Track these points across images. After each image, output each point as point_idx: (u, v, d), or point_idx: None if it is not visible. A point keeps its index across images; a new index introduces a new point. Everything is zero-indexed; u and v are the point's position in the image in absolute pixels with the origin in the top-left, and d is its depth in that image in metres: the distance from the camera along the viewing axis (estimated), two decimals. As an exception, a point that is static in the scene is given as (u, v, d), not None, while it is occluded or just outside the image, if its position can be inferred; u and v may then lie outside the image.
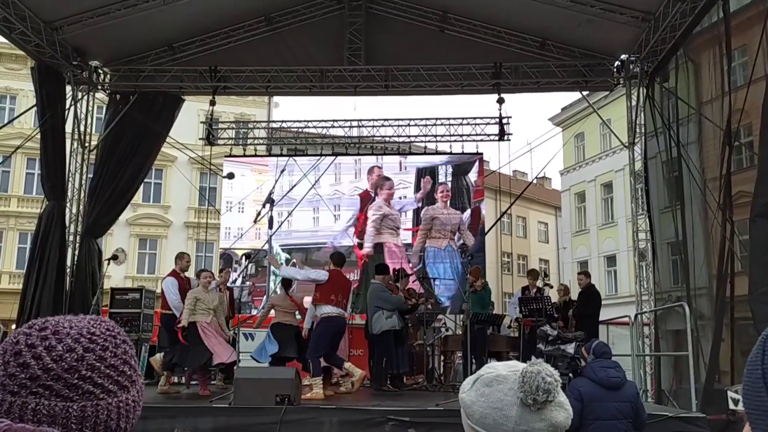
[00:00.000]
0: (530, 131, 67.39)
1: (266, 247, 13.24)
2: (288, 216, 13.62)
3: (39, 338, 0.94)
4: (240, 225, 13.98)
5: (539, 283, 10.50)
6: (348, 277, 8.84)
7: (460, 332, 10.92)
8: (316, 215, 13.74)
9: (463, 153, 13.64)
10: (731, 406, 6.56)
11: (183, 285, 8.98)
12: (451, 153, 13.75)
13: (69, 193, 11.58)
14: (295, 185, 13.67)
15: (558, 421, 1.25)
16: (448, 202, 13.42)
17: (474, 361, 9.51)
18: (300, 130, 15.21)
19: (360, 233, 13.40)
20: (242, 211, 14.02)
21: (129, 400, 0.98)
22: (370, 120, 13.83)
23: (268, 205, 13.68)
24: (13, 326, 11.14)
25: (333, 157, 13.66)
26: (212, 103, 12.62)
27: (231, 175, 13.55)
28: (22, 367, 0.91)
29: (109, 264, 12.18)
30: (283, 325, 8.90)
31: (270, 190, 13.74)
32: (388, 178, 13.64)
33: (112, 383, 0.95)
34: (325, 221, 13.67)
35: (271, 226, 13.55)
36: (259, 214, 13.68)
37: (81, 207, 11.80)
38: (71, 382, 0.92)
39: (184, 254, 9.74)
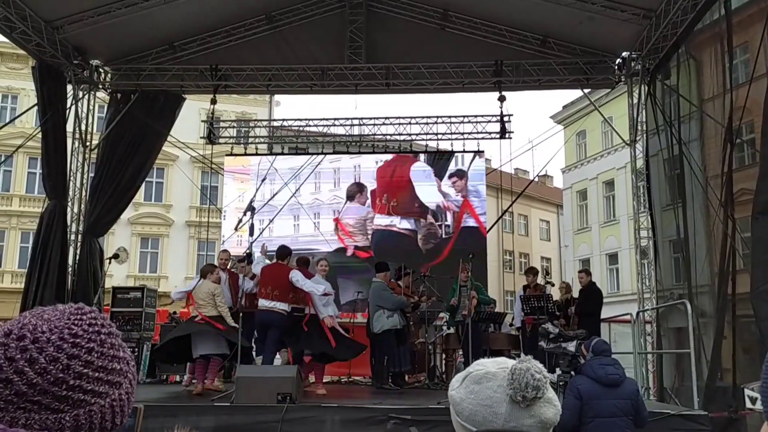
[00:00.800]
0: (531, 129, 67.43)
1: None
2: (269, 223, 13.72)
3: (18, 350, 0.87)
4: (222, 232, 14.26)
5: (539, 280, 10.49)
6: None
7: (453, 331, 10.88)
8: (296, 222, 13.85)
9: (464, 151, 13.65)
10: (749, 404, 6.45)
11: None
12: (452, 151, 13.75)
13: (70, 192, 11.60)
14: (276, 194, 13.78)
15: (547, 418, 1.26)
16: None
17: (474, 359, 9.49)
18: (301, 128, 15.21)
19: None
20: (224, 219, 14.23)
21: (122, 395, 0.94)
22: (371, 118, 13.84)
23: (249, 213, 13.82)
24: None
25: (312, 168, 13.78)
26: (213, 101, 12.62)
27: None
28: (5, 383, 0.86)
29: (110, 263, 12.22)
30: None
31: (251, 197, 13.90)
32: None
33: (103, 384, 0.91)
34: (305, 228, 13.78)
35: (252, 233, 13.67)
36: (240, 221, 13.80)
37: (82, 206, 11.81)
38: (60, 394, 0.87)
39: (222, 252, 10.23)
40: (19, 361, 0.87)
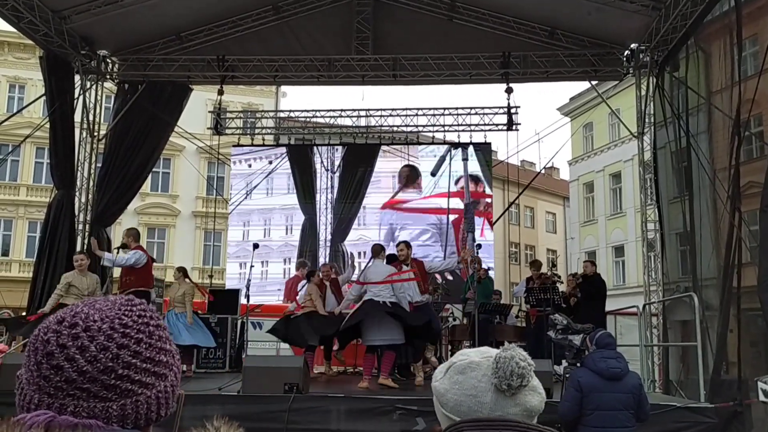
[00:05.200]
0: (538, 121, 67.14)
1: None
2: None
3: (70, 337, 0.89)
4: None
5: (545, 270, 10.54)
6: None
7: (466, 322, 10.90)
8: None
9: (471, 143, 13.63)
10: (761, 398, 6.43)
11: None
12: (459, 143, 13.73)
13: (78, 183, 11.63)
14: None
15: (532, 406, 1.26)
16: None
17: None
18: (307, 119, 15.20)
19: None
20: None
21: (167, 387, 0.95)
22: (378, 110, 13.83)
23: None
24: (23, 314, 11.20)
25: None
26: (220, 92, 12.61)
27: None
28: (55, 370, 0.88)
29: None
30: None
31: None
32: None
33: (150, 376, 0.92)
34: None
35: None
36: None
37: (90, 196, 11.84)
38: (108, 383, 0.88)
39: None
40: (71, 348, 0.88)
